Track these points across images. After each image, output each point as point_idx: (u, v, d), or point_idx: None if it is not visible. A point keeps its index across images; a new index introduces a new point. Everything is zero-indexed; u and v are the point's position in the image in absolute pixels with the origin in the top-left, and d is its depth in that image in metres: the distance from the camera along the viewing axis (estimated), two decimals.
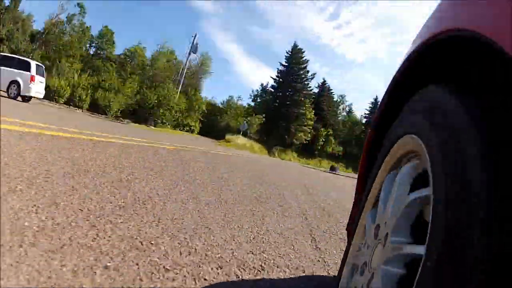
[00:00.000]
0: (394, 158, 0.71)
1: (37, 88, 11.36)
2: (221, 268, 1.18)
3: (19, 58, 11.82)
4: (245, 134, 30.35)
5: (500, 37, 0.39)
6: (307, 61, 40.87)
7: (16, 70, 10.80)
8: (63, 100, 20.37)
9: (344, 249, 0.97)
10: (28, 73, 10.84)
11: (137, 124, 18.94)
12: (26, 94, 10.92)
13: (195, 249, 1.28)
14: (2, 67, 10.66)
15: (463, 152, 0.42)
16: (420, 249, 0.46)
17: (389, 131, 0.78)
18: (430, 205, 0.44)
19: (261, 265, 1.32)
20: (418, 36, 0.70)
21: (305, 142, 39.94)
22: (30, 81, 10.87)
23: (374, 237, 0.67)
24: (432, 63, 0.68)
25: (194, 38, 31.99)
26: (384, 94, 0.83)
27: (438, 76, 0.68)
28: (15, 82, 10.71)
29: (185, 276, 1.04)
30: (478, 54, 0.53)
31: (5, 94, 10.57)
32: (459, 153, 0.42)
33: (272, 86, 42.13)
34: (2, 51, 18.71)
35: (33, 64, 11.37)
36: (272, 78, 43.12)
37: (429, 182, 0.47)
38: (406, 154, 0.66)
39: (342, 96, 48.86)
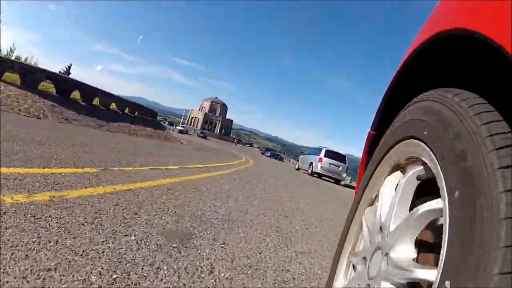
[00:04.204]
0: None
1: None
2: None
3: None
4: None
5: (500, 36, 0.38)
6: None
7: None
8: None
9: None
10: None
11: None
12: None
13: None
14: None
15: None
16: None
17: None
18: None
19: None
20: (419, 35, 0.69)
21: None
22: None
23: None
24: (431, 63, 0.67)
25: None
26: (384, 94, 0.82)
27: (438, 76, 0.67)
28: None
29: None
30: (477, 54, 0.52)
31: None
32: None
33: None
34: None
35: None
36: None
37: None
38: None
39: None
